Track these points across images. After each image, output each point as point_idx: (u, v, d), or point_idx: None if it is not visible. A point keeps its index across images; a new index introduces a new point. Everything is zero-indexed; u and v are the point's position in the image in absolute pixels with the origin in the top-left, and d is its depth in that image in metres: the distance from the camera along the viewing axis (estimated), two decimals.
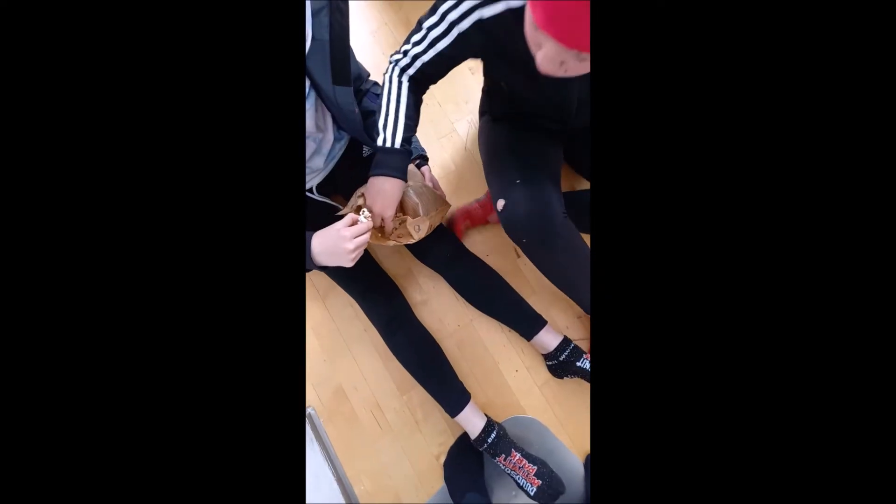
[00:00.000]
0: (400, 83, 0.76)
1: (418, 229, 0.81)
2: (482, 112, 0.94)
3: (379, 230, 0.81)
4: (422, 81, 0.78)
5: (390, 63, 0.78)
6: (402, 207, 0.83)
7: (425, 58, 0.72)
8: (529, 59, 0.55)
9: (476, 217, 1.04)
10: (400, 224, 0.82)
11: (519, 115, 0.84)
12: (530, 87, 0.71)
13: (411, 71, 0.75)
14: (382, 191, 0.76)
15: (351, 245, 0.70)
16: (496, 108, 0.88)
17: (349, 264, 0.72)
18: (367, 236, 0.73)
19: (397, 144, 0.76)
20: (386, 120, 0.76)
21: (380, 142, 0.76)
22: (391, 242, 0.82)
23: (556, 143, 0.87)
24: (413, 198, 0.84)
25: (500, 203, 0.78)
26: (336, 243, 0.71)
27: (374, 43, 1.23)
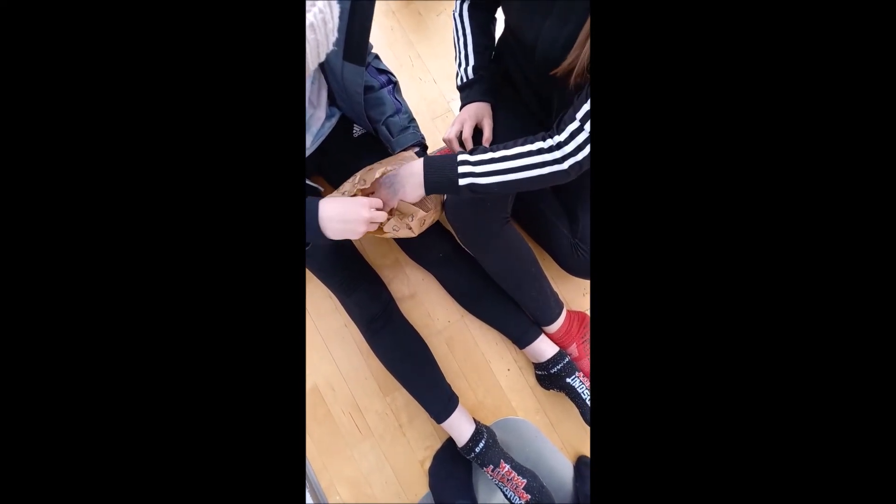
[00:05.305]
0: (461, 14, 0.78)
1: (423, 223, 0.75)
2: None
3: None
4: (481, 3, 0.77)
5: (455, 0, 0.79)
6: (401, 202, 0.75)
7: None
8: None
9: None
10: (399, 217, 0.76)
11: (514, 86, 0.82)
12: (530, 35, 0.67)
13: None
14: (471, 112, 0.79)
15: (367, 213, 0.64)
16: (502, 64, 0.85)
17: (357, 235, 0.66)
18: (383, 215, 0.68)
19: (470, 75, 0.79)
20: (458, 56, 0.79)
21: (458, 82, 0.80)
22: (388, 234, 0.75)
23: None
24: None
25: (445, 197, 0.79)
26: (351, 208, 0.64)
27: None
